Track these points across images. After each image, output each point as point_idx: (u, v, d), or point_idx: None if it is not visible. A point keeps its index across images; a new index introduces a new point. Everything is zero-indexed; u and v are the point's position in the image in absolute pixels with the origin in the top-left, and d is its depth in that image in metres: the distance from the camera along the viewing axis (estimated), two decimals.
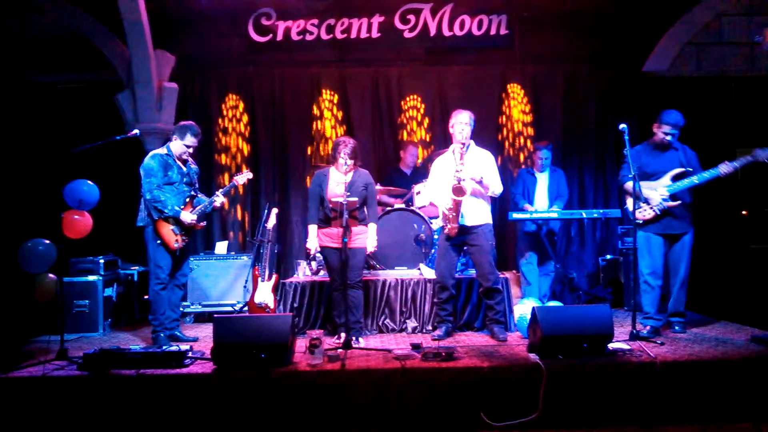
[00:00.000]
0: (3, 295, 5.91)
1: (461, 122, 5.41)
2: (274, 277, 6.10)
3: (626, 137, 5.19)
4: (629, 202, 5.52)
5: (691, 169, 5.40)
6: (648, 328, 5.35)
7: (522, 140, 7.80)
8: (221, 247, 7.09)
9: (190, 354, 4.69)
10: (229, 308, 6.60)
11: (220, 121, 7.87)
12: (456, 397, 4.39)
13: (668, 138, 5.44)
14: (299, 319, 5.90)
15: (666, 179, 5.41)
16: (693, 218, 5.51)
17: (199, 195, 5.69)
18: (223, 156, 7.78)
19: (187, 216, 5.47)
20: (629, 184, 5.42)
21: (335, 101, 7.90)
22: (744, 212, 7.70)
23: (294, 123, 7.84)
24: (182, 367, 4.52)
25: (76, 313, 6.17)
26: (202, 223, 5.69)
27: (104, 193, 6.15)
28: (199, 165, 7.08)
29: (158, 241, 5.42)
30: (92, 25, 7.39)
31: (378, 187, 6.71)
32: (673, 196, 5.36)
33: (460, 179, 5.20)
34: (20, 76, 7.40)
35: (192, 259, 6.67)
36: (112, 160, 6.62)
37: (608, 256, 7.39)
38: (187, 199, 5.55)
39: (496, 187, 5.47)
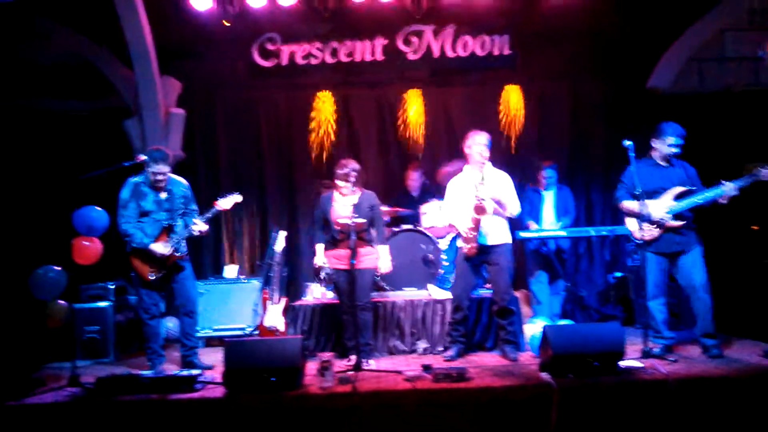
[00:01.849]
0: (15, 322, 5.92)
1: (480, 143, 5.46)
2: (283, 300, 6.10)
3: (631, 154, 5.19)
4: (628, 222, 5.50)
5: (694, 188, 5.31)
6: (660, 347, 5.28)
7: (528, 159, 7.80)
8: (230, 270, 7.10)
9: (200, 378, 4.69)
10: (240, 332, 6.59)
11: (226, 145, 7.90)
12: (469, 418, 4.37)
13: (675, 150, 5.36)
14: (310, 342, 5.89)
15: (668, 198, 5.31)
16: (698, 234, 5.39)
17: (180, 222, 5.54)
18: (230, 181, 7.79)
19: (159, 248, 5.36)
20: (626, 204, 5.43)
21: (340, 124, 7.94)
22: (754, 227, 7.65)
23: (300, 146, 7.89)
24: (193, 392, 4.53)
25: (87, 339, 6.17)
26: (180, 253, 5.50)
27: (114, 218, 6.18)
28: (206, 190, 7.19)
29: (132, 273, 5.42)
30: (99, 53, 7.46)
31: (384, 208, 6.73)
32: (676, 216, 5.27)
33: (480, 198, 5.22)
34: (30, 103, 7.47)
35: (201, 284, 6.68)
36: (120, 185, 6.64)
37: (618, 274, 7.36)
38: (162, 228, 5.44)
39: (514, 208, 5.50)
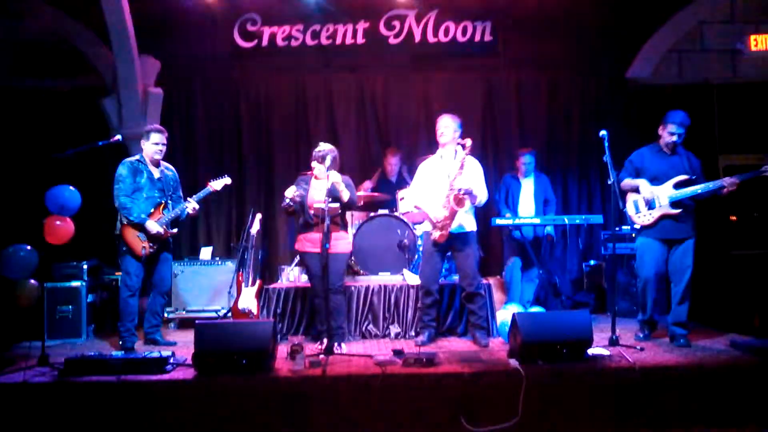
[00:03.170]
0: None
1: (442, 125, 5.48)
2: (257, 282, 6.10)
3: (606, 144, 5.22)
4: (629, 206, 5.54)
5: (694, 177, 5.35)
6: (645, 332, 5.48)
7: (506, 146, 7.82)
8: (206, 252, 7.07)
9: (171, 360, 4.68)
10: (214, 314, 6.59)
11: (205, 126, 7.85)
12: (437, 403, 4.41)
13: (674, 138, 5.39)
14: (282, 325, 5.91)
15: (669, 186, 5.36)
16: (695, 225, 5.44)
17: (170, 202, 5.67)
18: (208, 162, 7.75)
19: (152, 225, 5.47)
20: (627, 182, 5.50)
21: (320, 107, 7.91)
22: (732, 217, 7.73)
23: (279, 128, 7.86)
24: (163, 373, 4.52)
25: (60, 318, 6.13)
26: (171, 230, 5.64)
27: (89, 198, 6.15)
28: (183, 170, 7.14)
29: (124, 248, 5.47)
30: (77, 30, 7.37)
31: (362, 193, 6.75)
32: (675, 203, 5.32)
33: (460, 189, 5.23)
34: (6, 81, 7.36)
35: (176, 264, 6.67)
36: (98, 165, 6.59)
37: (592, 262, 7.44)
38: (156, 207, 5.56)
39: (483, 196, 5.51)
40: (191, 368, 4.58)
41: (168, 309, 6.56)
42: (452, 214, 5.26)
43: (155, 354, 4.67)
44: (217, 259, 6.98)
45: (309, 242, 5.41)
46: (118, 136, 5.43)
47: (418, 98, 7.87)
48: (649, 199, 5.40)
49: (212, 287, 6.76)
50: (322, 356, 4.85)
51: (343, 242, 5.46)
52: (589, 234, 7.73)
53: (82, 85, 7.54)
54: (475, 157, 7.58)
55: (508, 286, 6.85)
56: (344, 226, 5.56)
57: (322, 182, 5.30)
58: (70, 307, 6.16)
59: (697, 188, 5.29)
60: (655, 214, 5.37)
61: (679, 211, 5.31)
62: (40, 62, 7.45)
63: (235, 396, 4.37)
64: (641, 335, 5.51)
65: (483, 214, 7.12)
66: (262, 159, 7.86)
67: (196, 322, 4.67)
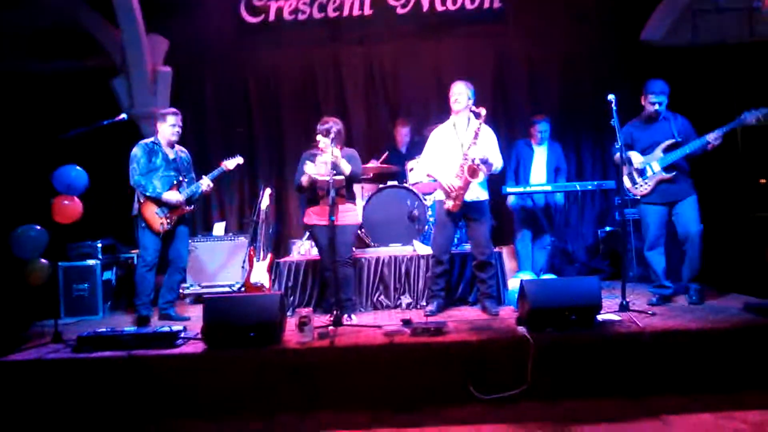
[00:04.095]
0: None
1: (456, 92, 5.40)
2: (269, 256, 6.14)
3: (614, 108, 5.17)
4: (625, 180, 5.59)
5: (680, 139, 5.37)
6: (657, 296, 5.47)
7: (518, 114, 7.71)
8: (219, 228, 7.13)
9: (182, 335, 4.74)
10: (227, 288, 6.65)
11: (214, 103, 7.86)
12: (445, 372, 4.41)
13: (655, 107, 5.44)
14: (294, 298, 5.94)
15: (658, 151, 5.42)
16: (694, 184, 5.49)
17: (185, 181, 5.76)
18: (218, 139, 7.77)
19: (171, 195, 5.59)
20: (617, 157, 5.47)
21: (329, 80, 7.87)
22: (762, 180, 7.55)
23: (288, 104, 7.86)
24: (174, 348, 4.58)
25: (76, 296, 6.25)
26: (189, 207, 5.76)
27: (104, 178, 6.22)
28: (194, 148, 7.19)
29: (143, 224, 5.57)
30: (85, 12, 7.39)
31: (373, 164, 6.73)
32: (667, 168, 5.38)
33: (475, 159, 5.18)
34: (17, 66, 7.42)
35: (190, 240, 6.73)
36: (111, 145, 6.64)
37: (607, 228, 7.35)
38: (174, 183, 5.66)
39: (499, 165, 5.46)
40: (201, 342, 4.64)
41: (183, 285, 6.65)
42: (466, 184, 5.21)
43: (165, 329, 4.72)
44: (230, 234, 7.04)
45: (316, 215, 5.41)
46: (123, 115, 5.48)
47: (428, 68, 7.78)
48: (641, 169, 5.49)
49: (226, 262, 6.83)
50: (330, 328, 4.87)
51: (350, 214, 5.46)
52: (604, 200, 7.63)
53: (93, 67, 7.58)
54: (487, 125, 7.57)
55: (519, 254, 6.80)
56: (351, 198, 5.55)
57: (327, 155, 5.28)
58: (86, 285, 6.26)
59: (685, 148, 5.33)
60: (650, 182, 5.45)
61: (673, 174, 5.38)
62: (51, 46, 7.49)
63: (244, 369, 4.41)
64: (654, 300, 5.47)
65: (494, 181, 7.09)
66: (272, 134, 7.86)
67: (205, 296, 4.72)
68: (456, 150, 5.32)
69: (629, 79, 7.50)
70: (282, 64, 7.88)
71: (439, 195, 5.49)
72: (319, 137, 5.39)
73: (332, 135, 5.28)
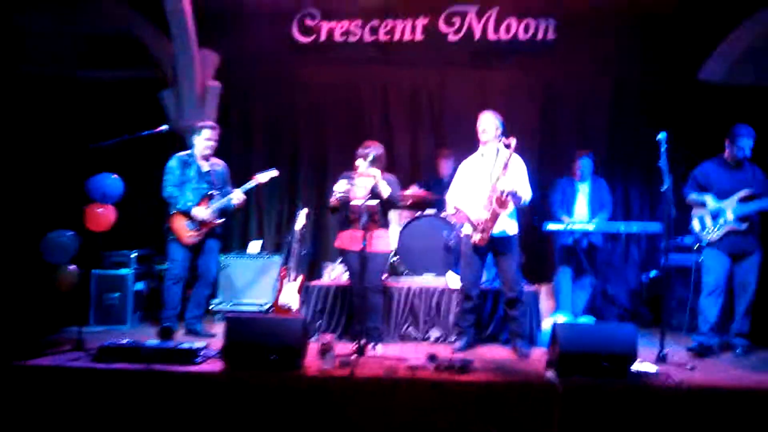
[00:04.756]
0: (27, 286, 6.05)
1: (484, 123, 5.30)
2: (300, 278, 6.06)
3: (663, 147, 4.97)
4: (694, 222, 5.45)
5: (760, 192, 5.23)
6: (697, 344, 5.26)
7: (565, 148, 7.50)
8: (254, 246, 7.10)
9: (202, 352, 4.67)
10: (257, 307, 6.59)
11: (261, 120, 7.88)
12: (467, 412, 4.22)
13: (742, 153, 5.28)
14: (322, 323, 5.84)
15: (734, 199, 5.26)
16: (760, 239, 5.36)
17: (217, 194, 5.76)
18: (263, 155, 7.76)
19: (198, 211, 5.60)
20: (694, 197, 5.42)
21: (376, 104, 7.82)
22: None
23: (334, 124, 7.80)
24: (192, 365, 4.52)
25: (106, 305, 6.27)
26: (219, 220, 5.74)
27: (146, 188, 6.25)
28: (239, 163, 7.21)
29: (172, 236, 5.61)
30: (140, 23, 7.48)
31: (413, 190, 6.63)
32: (741, 218, 5.22)
33: (503, 191, 5.03)
34: (69, 70, 7.57)
35: (224, 257, 6.75)
36: (156, 156, 6.65)
37: (652, 273, 7.06)
38: (205, 195, 5.67)
39: (527, 196, 5.28)
40: (221, 361, 4.56)
41: (214, 301, 6.64)
42: (494, 217, 5.05)
43: (186, 345, 4.67)
44: (265, 253, 6.99)
45: (348, 239, 5.32)
46: (164, 126, 5.49)
47: (476, 97, 7.60)
48: (715, 214, 5.31)
49: (258, 281, 6.78)
50: (353, 357, 4.75)
51: (383, 241, 5.35)
52: (650, 242, 7.34)
53: (144, 77, 7.68)
54: (533, 160, 7.39)
55: (558, 293, 6.58)
56: (385, 225, 5.44)
57: (364, 179, 5.20)
58: (117, 294, 6.28)
59: (763, 202, 5.17)
60: (722, 229, 5.27)
61: (745, 225, 5.21)
62: (106, 55, 7.63)
63: (261, 392, 4.31)
64: (694, 345, 5.26)
65: (529, 217, 6.92)
66: (315, 154, 7.82)
67: (227, 315, 4.65)
68: (484, 181, 5.17)
69: (684, 118, 7.28)
70: (330, 85, 7.85)
71: (466, 228, 5.34)
72: (358, 161, 5.32)
73: (371, 159, 5.21)
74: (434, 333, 5.76)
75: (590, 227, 6.16)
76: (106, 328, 6.10)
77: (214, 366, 4.53)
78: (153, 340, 5.01)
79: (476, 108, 7.61)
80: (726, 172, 5.39)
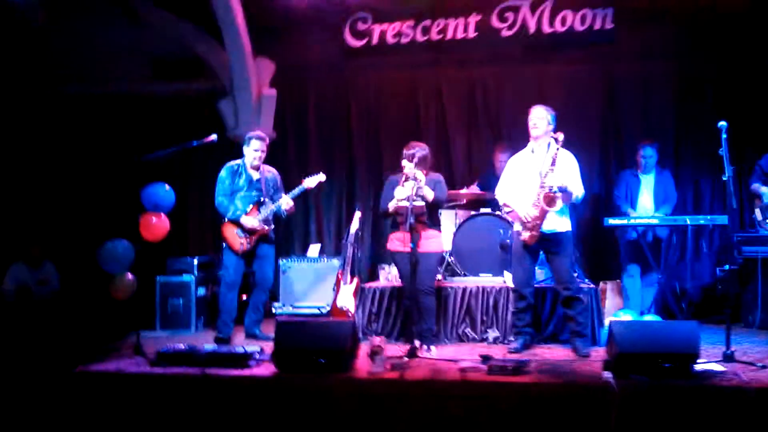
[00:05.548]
0: (88, 295, 6.27)
1: (535, 117, 5.17)
2: (355, 280, 6.06)
3: (723, 136, 4.72)
4: (757, 212, 5.40)
5: None
6: None
7: (629, 140, 7.24)
8: (314, 249, 7.17)
9: (256, 356, 4.71)
10: (316, 311, 6.64)
11: (316, 125, 7.94)
12: (520, 416, 4.11)
13: None
14: (377, 325, 5.82)
15: None
16: None
17: (267, 200, 5.82)
18: (319, 161, 7.80)
19: (248, 220, 5.69)
20: (754, 187, 5.45)
21: (430, 104, 7.75)
22: None
23: (388, 127, 7.78)
24: (246, 368, 4.56)
25: (171, 311, 6.45)
26: (267, 227, 5.80)
27: (207, 196, 6.36)
28: (296, 168, 7.30)
29: (224, 244, 5.71)
30: (195, 35, 7.65)
31: (470, 189, 6.55)
32: None
33: (551, 187, 4.90)
34: (131, 86, 7.82)
35: (285, 261, 6.88)
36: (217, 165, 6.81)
37: (726, 267, 6.69)
38: (253, 204, 5.75)
39: (579, 192, 5.12)
40: (271, 365, 4.59)
41: (275, 304, 6.74)
42: (543, 214, 4.91)
43: (239, 349, 4.73)
44: (324, 256, 7.04)
45: (398, 241, 5.28)
46: (214, 136, 5.57)
47: (532, 92, 7.39)
48: None
49: (318, 284, 6.83)
50: (405, 359, 4.70)
51: (433, 241, 5.27)
52: (724, 236, 6.97)
53: (202, 89, 7.85)
54: (595, 153, 7.16)
55: (625, 290, 6.34)
56: (435, 225, 5.36)
57: (410, 181, 5.15)
58: (181, 300, 6.45)
59: None
60: None
61: None
62: (166, 69, 7.84)
63: (309, 395, 4.31)
64: None
65: (594, 212, 6.70)
66: (371, 157, 7.82)
67: (277, 319, 4.69)
68: (534, 177, 5.03)
69: (754, 108, 6.91)
70: (384, 87, 7.86)
71: (516, 226, 5.21)
72: (404, 162, 5.28)
73: (416, 160, 5.17)
74: (492, 334, 5.64)
75: (654, 221, 5.92)
76: (171, 333, 6.26)
77: (267, 370, 4.56)
78: (209, 345, 5.11)
79: (533, 103, 7.50)
80: None
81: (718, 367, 4.34)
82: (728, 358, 4.49)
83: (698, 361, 4.24)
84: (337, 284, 6.09)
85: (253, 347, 4.84)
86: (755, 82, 7.01)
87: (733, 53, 7.12)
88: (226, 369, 4.53)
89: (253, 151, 5.77)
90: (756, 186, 5.29)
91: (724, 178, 4.78)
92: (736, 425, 3.88)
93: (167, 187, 5.89)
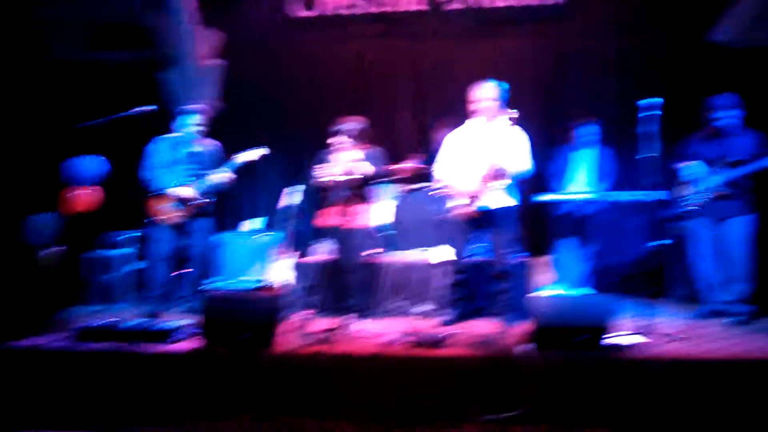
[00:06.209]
0: (16, 270, 6.15)
1: (481, 95, 5.15)
2: (294, 255, 6.03)
3: (655, 113, 4.77)
4: (683, 189, 5.50)
5: (742, 157, 5.19)
6: (706, 311, 5.35)
7: (575, 117, 7.23)
8: (253, 224, 7.09)
9: (180, 330, 4.67)
10: (254, 285, 6.58)
11: (262, 96, 7.81)
12: (442, 387, 4.13)
13: (721, 123, 5.30)
14: (311, 299, 5.79)
15: (719, 167, 5.29)
16: (752, 202, 5.30)
17: (205, 172, 5.75)
18: (265, 132, 7.67)
19: (185, 190, 5.59)
20: (680, 167, 5.49)
21: (378, 77, 7.66)
22: None
23: (336, 99, 7.64)
24: (169, 343, 4.53)
25: (103, 285, 6.35)
26: (203, 200, 5.72)
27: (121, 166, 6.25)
28: (241, 140, 7.17)
29: (156, 217, 5.65)
30: (142, 3, 7.41)
31: (414, 163, 6.53)
32: (725, 184, 5.24)
33: (495, 164, 4.89)
34: (71, 53, 7.60)
35: (223, 235, 6.79)
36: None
37: (656, 243, 6.78)
38: (193, 176, 5.67)
39: (525, 169, 5.13)
40: (196, 339, 4.56)
41: (212, 279, 6.66)
42: (486, 189, 4.91)
43: (163, 324, 4.69)
44: (263, 231, 6.97)
45: (328, 216, 5.26)
46: (152, 106, 5.48)
47: (482, 67, 7.30)
48: (701, 182, 5.35)
49: (256, 259, 6.76)
50: (332, 332, 4.70)
51: (365, 216, 5.26)
52: (656, 212, 7.03)
53: (148, 58, 7.66)
54: (542, 129, 7.17)
55: (558, 265, 6.39)
56: (368, 200, 5.35)
57: (344, 155, 5.12)
58: (113, 274, 6.34)
59: (746, 167, 5.16)
60: (708, 195, 5.33)
61: (730, 191, 5.23)
62: (107, 37, 7.63)
63: (233, 369, 4.29)
64: (704, 311, 5.37)
65: (535, 187, 6.70)
66: (317, 130, 7.63)
67: (204, 293, 4.65)
68: (477, 153, 5.02)
69: (696, 83, 6.95)
70: (331, 59, 7.72)
71: (455, 200, 5.21)
72: (337, 137, 5.23)
73: (352, 133, 5.13)
74: (425, 307, 5.65)
75: (589, 196, 5.95)
76: (102, 308, 6.16)
77: (191, 344, 4.53)
78: (133, 320, 5.06)
79: (482, 78, 7.49)
80: (714, 140, 5.38)
81: (636, 339, 4.40)
82: (645, 330, 4.56)
83: (615, 333, 4.31)
84: (275, 258, 6.05)
85: (178, 322, 4.81)
86: (700, 62, 7.04)
87: (681, 31, 7.13)
88: (149, 344, 4.51)
89: (192, 124, 5.66)
90: (683, 163, 5.45)
91: (638, 157, 4.85)
92: (644, 396, 3.96)
93: (100, 158, 5.78)
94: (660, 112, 4.87)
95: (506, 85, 5.25)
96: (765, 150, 5.18)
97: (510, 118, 4.97)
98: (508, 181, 5.02)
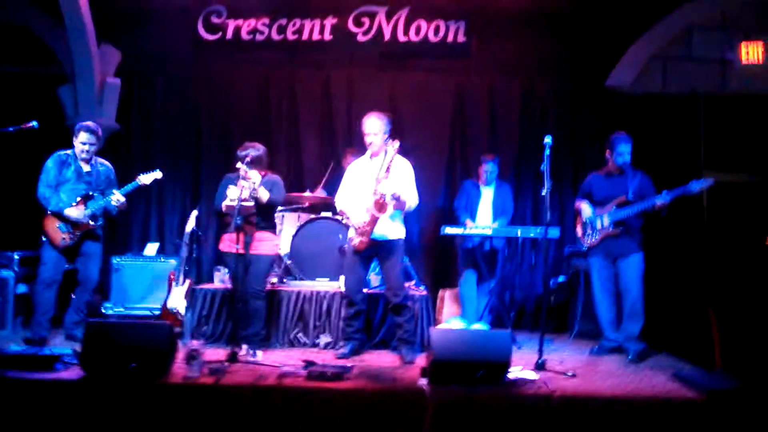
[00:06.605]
0: None
1: (367, 128, 5.18)
2: (187, 282, 5.83)
3: (547, 152, 4.95)
4: (578, 228, 5.69)
5: (632, 198, 5.38)
6: (598, 348, 5.53)
7: (475, 152, 7.39)
8: (151, 248, 6.83)
9: (65, 359, 4.44)
10: (149, 312, 6.33)
11: (163, 118, 7.58)
12: (337, 422, 4.07)
13: (620, 159, 5.46)
14: (208, 328, 5.65)
15: (610, 206, 5.47)
16: (642, 242, 5.54)
17: (98, 195, 5.55)
18: (164, 155, 7.45)
19: (71, 211, 5.38)
20: (576, 205, 5.73)
21: (283, 104, 7.59)
22: None
23: (240, 124, 7.49)
24: (52, 372, 4.29)
25: None
26: (95, 223, 5.52)
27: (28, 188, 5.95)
28: (139, 162, 6.97)
29: (44, 239, 5.38)
30: (36, 16, 7.18)
31: (316, 192, 6.51)
32: (616, 223, 5.42)
33: (383, 195, 4.90)
34: None
35: (118, 259, 6.52)
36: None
37: (560, 278, 6.99)
38: (80, 198, 5.45)
39: (413, 201, 5.17)
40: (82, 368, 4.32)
41: (107, 304, 6.41)
42: (373, 220, 4.93)
43: (47, 351, 4.45)
44: (161, 256, 6.73)
45: (228, 242, 5.14)
46: (34, 123, 5.26)
47: (385, 99, 7.41)
48: (592, 221, 5.53)
49: (153, 285, 6.50)
50: (224, 363, 4.56)
51: (266, 244, 5.17)
52: (558, 248, 7.26)
53: (42, 73, 7.35)
54: (442, 162, 7.30)
55: (462, 298, 6.47)
56: (270, 227, 5.27)
57: (244, 181, 5.02)
58: None
59: (634, 207, 5.36)
60: (598, 235, 5.50)
61: (619, 230, 5.41)
62: (4, 51, 7.27)
63: (121, 400, 4.08)
64: (596, 349, 5.54)
65: (441, 221, 6.79)
66: (219, 155, 7.49)
67: (87, 320, 4.43)
68: (369, 184, 5.04)
69: (594, 124, 7.26)
70: (235, 84, 7.58)
71: (350, 232, 5.20)
72: (238, 163, 5.14)
73: (249, 159, 5.07)
74: (324, 339, 5.60)
75: (488, 231, 6.06)
76: None
77: (75, 373, 4.29)
78: (16, 346, 4.77)
79: (386, 110, 7.54)
80: (607, 179, 5.61)
81: (531, 375, 4.48)
82: (540, 366, 4.66)
83: (512, 369, 4.38)
84: (169, 285, 5.84)
85: (64, 349, 4.58)
86: (594, 101, 7.37)
87: (574, 75, 7.44)
88: (31, 372, 4.25)
89: (80, 143, 5.49)
90: (578, 203, 5.65)
91: (543, 193, 5.00)
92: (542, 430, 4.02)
93: None
94: (549, 152, 5.06)
95: (387, 118, 5.30)
96: (651, 191, 5.41)
97: (394, 148, 4.97)
98: (392, 212, 5.03)
